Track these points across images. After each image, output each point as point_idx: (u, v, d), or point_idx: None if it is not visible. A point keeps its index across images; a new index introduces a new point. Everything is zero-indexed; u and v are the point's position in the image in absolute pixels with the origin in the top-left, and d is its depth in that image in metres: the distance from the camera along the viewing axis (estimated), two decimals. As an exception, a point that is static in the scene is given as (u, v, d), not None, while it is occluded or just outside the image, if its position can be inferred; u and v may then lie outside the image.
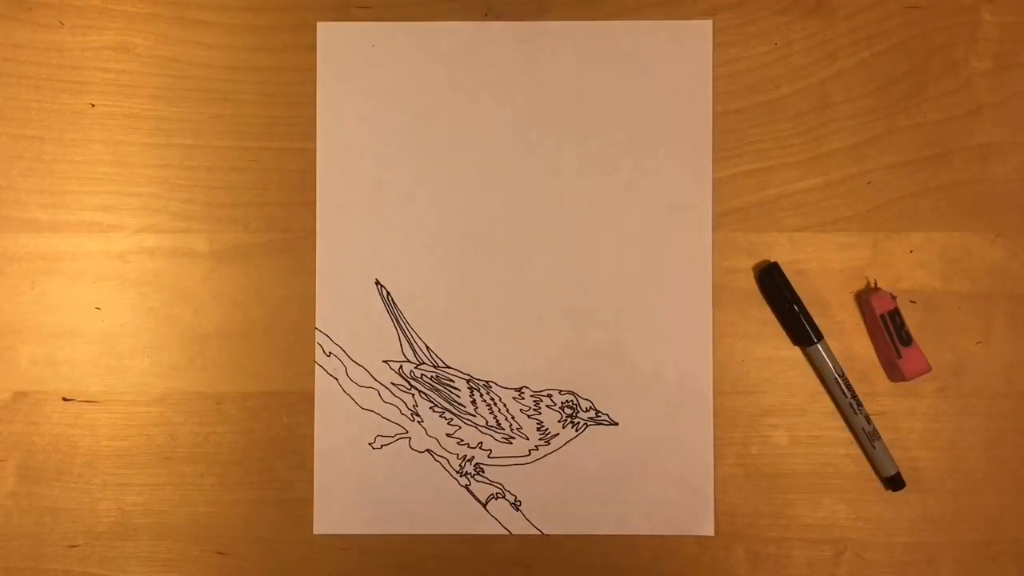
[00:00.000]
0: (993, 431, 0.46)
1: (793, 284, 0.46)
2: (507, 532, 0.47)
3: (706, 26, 0.47)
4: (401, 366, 0.47)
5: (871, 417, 0.46)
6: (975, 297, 0.47)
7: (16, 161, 0.47)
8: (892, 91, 0.47)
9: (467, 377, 0.47)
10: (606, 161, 0.47)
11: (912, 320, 0.46)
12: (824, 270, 0.47)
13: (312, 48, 0.47)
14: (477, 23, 0.47)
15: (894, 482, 0.46)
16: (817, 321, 0.46)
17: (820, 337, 0.46)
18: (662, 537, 0.46)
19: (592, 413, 0.47)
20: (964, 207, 0.47)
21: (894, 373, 0.46)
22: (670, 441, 0.47)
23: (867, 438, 0.46)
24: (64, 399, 0.47)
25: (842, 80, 0.47)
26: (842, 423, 0.47)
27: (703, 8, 0.47)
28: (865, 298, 0.46)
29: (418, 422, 0.47)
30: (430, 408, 0.47)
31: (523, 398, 0.47)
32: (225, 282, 0.47)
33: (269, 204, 0.47)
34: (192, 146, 0.47)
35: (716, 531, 0.46)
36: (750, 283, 0.47)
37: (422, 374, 0.47)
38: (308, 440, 0.47)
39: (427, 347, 0.47)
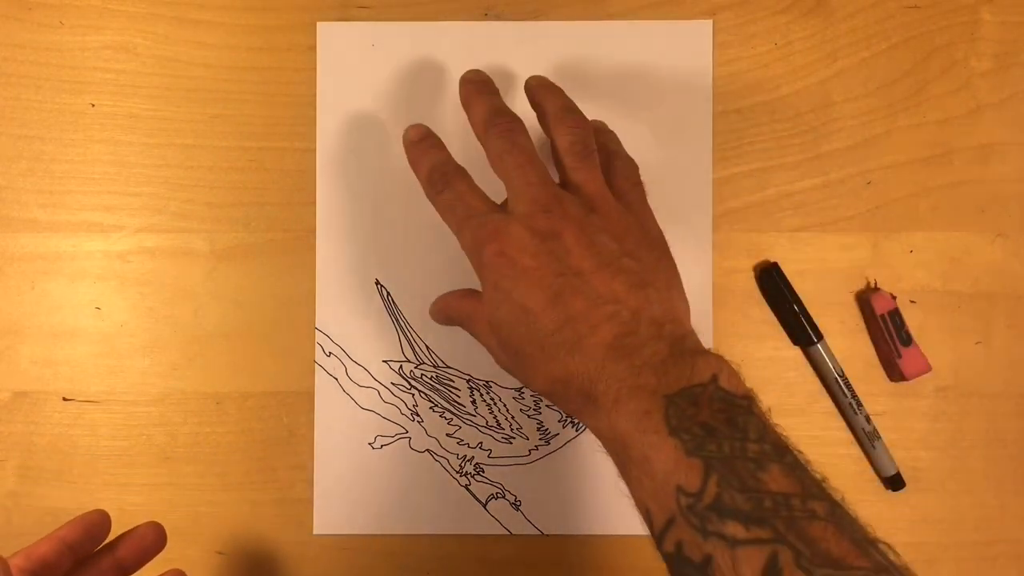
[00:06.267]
0: (993, 431, 0.46)
1: (793, 284, 0.46)
2: (507, 532, 0.47)
3: (706, 26, 0.47)
4: (401, 366, 0.47)
5: (871, 417, 0.46)
6: (975, 297, 0.47)
7: (16, 161, 0.47)
8: (892, 91, 0.47)
9: (467, 377, 0.47)
10: (606, 161, 0.47)
11: (912, 320, 0.46)
12: (824, 270, 0.47)
13: (312, 48, 0.47)
14: (477, 23, 0.47)
15: (894, 482, 0.46)
16: (817, 321, 0.46)
17: (820, 337, 0.46)
18: (662, 537, 0.46)
19: (592, 413, 0.47)
20: (964, 207, 0.47)
21: (894, 373, 0.46)
22: (670, 441, 0.46)
23: (867, 438, 0.46)
24: (64, 399, 0.47)
25: (842, 80, 0.47)
26: (842, 423, 0.47)
27: (703, 8, 0.47)
28: (865, 298, 0.46)
29: (418, 422, 0.47)
30: (430, 408, 0.47)
31: (523, 398, 0.47)
32: (225, 282, 0.47)
33: (269, 204, 0.47)
34: (192, 146, 0.47)
35: (716, 531, 0.46)
36: (750, 283, 0.47)
37: (422, 374, 0.47)
38: (308, 440, 0.47)
39: (427, 347, 0.47)
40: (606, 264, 0.35)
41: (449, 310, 0.42)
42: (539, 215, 0.36)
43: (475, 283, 0.47)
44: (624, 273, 0.35)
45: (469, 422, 0.47)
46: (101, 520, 0.36)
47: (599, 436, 0.34)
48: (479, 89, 0.41)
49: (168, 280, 0.47)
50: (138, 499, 0.47)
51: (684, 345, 0.34)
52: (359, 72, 0.47)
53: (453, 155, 0.40)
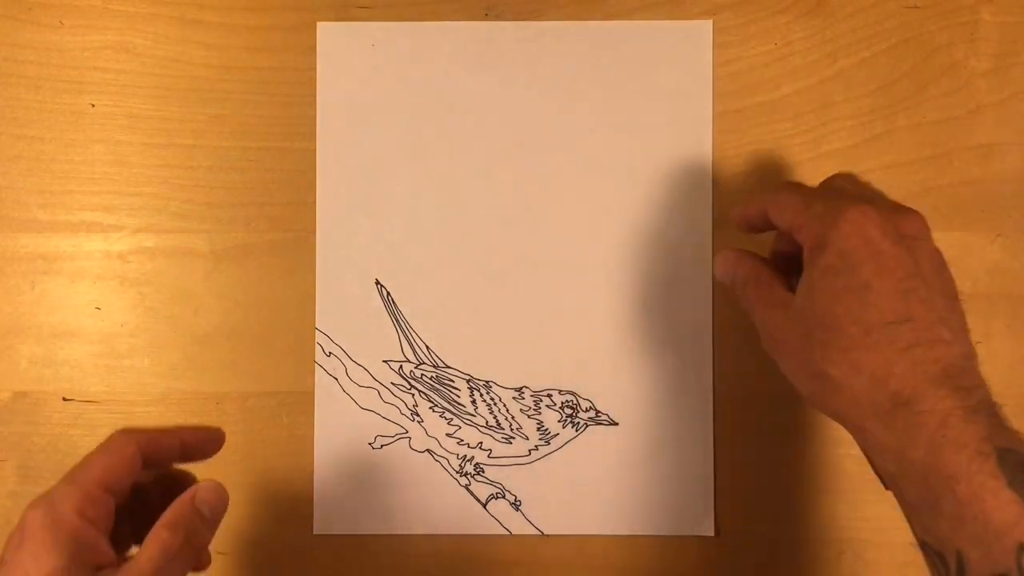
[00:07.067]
0: (993, 431, 0.46)
1: (793, 284, 0.46)
2: (507, 532, 0.47)
3: (706, 26, 0.47)
4: (401, 366, 0.47)
5: (871, 417, 0.46)
6: (975, 297, 0.47)
7: (16, 161, 0.47)
8: (892, 91, 0.47)
9: (467, 377, 0.47)
10: (606, 161, 0.47)
11: (912, 320, 0.46)
12: (824, 270, 0.47)
13: (312, 48, 0.47)
14: (477, 23, 0.47)
15: (894, 482, 0.46)
16: (817, 321, 0.46)
17: (820, 337, 0.46)
18: (662, 537, 0.46)
19: (592, 413, 0.47)
20: (964, 207, 0.47)
21: (894, 373, 0.46)
22: (670, 441, 0.47)
23: (867, 438, 0.46)
24: (64, 399, 0.47)
25: (842, 80, 0.47)
26: (842, 423, 0.47)
27: (703, 8, 0.47)
28: (865, 298, 0.46)
29: (418, 422, 0.47)
30: (430, 408, 0.47)
31: (523, 398, 0.47)
32: (225, 282, 0.47)
33: (269, 204, 0.47)
34: (192, 146, 0.47)
35: (716, 531, 0.46)
36: (750, 283, 0.47)
37: (422, 374, 0.47)
38: (308, 440, 0.47)
39: (427, 347, 0.47)
40: (947, 295, 0.34)
41: (739, 268, 0.39)
42: (900, 217, 0.34)
43: (473, 285, 0.47)
44: (957, 314, 0.34)
45: (469, 422, 0.47)
46: (218, 438, 0.37)
47: (891, 451, 0.32)
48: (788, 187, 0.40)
49: (168, 280, 0.47)
50: (138, 499, 0.47)
51: (1001, 412, 0.32)
52: (359, 72, 0.47)
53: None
